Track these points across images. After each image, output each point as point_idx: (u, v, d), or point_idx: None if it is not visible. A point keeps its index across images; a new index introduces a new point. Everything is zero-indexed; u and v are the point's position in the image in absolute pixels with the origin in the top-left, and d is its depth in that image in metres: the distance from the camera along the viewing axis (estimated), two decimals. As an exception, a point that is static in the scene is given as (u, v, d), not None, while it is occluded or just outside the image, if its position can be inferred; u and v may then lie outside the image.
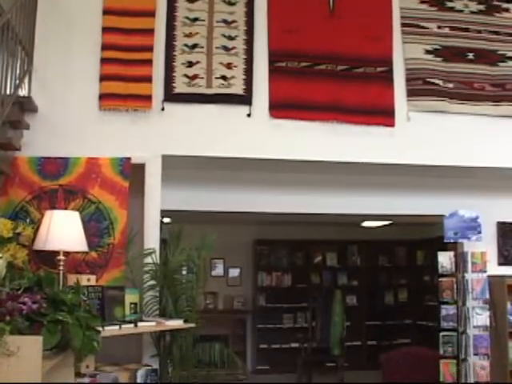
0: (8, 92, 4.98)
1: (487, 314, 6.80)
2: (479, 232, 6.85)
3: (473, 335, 6.78)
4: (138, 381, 5.24)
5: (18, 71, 5.26)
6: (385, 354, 8.05)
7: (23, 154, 5.49)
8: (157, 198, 5.88)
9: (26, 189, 5.44)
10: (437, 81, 6.55)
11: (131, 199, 5.62)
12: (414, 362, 7.67)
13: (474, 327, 6.79)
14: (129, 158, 5.64)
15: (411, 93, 6.51)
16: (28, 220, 5.30)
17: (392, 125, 6.43)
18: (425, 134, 6.53)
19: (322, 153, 6.30)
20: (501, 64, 6.77)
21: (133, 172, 5.64)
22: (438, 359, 6.94)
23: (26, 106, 5.47)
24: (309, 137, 6.26)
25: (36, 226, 5.13)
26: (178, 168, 6.29)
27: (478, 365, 6.74)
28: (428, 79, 6.54)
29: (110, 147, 5.73)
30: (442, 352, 6.87)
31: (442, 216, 7.04)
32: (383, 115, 6.42)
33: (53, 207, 5.32)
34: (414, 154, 6.50)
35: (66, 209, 5.38)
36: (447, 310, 6.81)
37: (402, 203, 7.34)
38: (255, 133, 6.17)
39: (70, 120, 5.80)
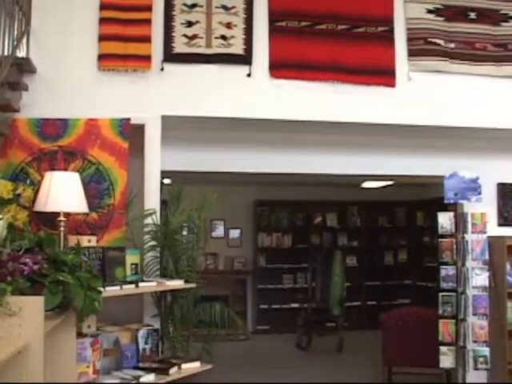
0: (6, 53, 4.93)
1: (486, 274, 6.83)
2: (479, 193, 6.85)
3: (472, 295, 6.82)
4: (139, 341, 5.28)
5: (15, 32, 5.21)
6: (384, 314, 8.08)
7: (22, 116, 5.46)
8: (157, 159, 5.87)
9: (25, 150, 5.43)
10: (438, 41, 6.50)
11: (131, 160, 5.60)
12: (414, 321, 7.72)
13: (474, 288, 6.83)
14: (128, 119, 5.61)
15: (412, 53, 6.45)
16: (28, 181, 5.29)
17: (393, 85, 6.39)
18: (425, 94, 6.50)
19: (322, 113, 6.27)
20: (503, 24, 6.71)
21: (132, 133, 5.62)
22: (437, 319, 6.99)
23: (24, 67, 5.43)
24: (309, 97, 6.22)
25: (36, 187, 5.13)
26: (177, 129, 6.26)
27: (477, 325, 6.78)
28: (429, 39, 6.49)
29: (110, 108, 5.70)
30: (441, 312, 6.91)
31: (442, 177, 7.03)
32: (384, 75, 6.38)
33: (53, 169, 5.31)
34: (414, 115, 6.47)
35: (65, 170, 5.37)
36: (447, 271, 6.84)
37: (402, 164, 7.33)
38: (255, 93, 6.14)
39: (69, 81, 5.76)
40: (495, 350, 6.95)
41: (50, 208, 4.82)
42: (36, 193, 5.02)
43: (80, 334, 4.61)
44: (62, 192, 4.83)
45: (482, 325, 6.78)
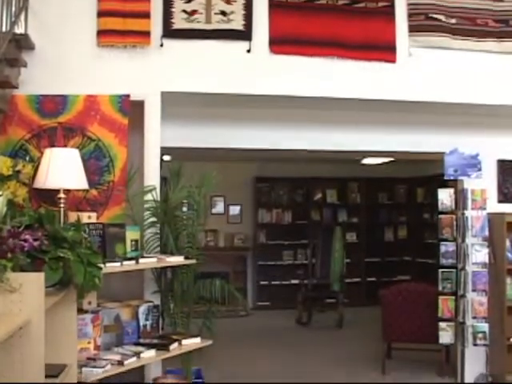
0: (4, 29, 4.91)
1: (486, 250, 6.84)
2: (479, 169, 6.84)
3: (472, 272, 6.84)
4: (140, 317, 5.30)
5: (13, 8, 5.17)
6: (384, 290, 8.10)
7: (21, 92, 5.44)
8: (156, 135, 5.85)
9: (24, 127, 5.41)
10: (439, 16, 6.45)
11: (131, 136, 5.59)
12: (413, 297, 7.74)
13: (473, 264, 6.84)
14: (128, 95, 5.59)
15: (413, 28, 6.41)
16: (27, 158, 5.29)
17: (393, 61, 6.36)
18: (426, 70, 6.47)
19: (322, 89, 6.24)
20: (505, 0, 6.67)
21: (132, 109, 5.60)
22: (436, 295, 7.01)
23: (22, 43, 5.39)
24: (309, 72, 6.19)
25: (36, 164, 5.12)
26: (177, 105, 6.24)
27: (477, 301, 6.81)
28: (430, 14, 6.44)
29: (109, 84, 5.67)
30: (440, 288, 6.93)
31: (442, 153, 7.02)
32: (384, 51, 6.35)
33: (52, 145, 5.30)
34: (414, 91, 6.45)
35: (65, 147, 5.36)
36: (447, 247, 6.85)
37: (403, 140, 7.32)
38: (255, 69, 6.11)
39: (68, 57, 5.73)
40: (494, 326, 6.98)
41: (50, 185, 4.82)
42: (36, 170, 5.02)
43: (81, 311, 4.64)
44: (62, 169, 4.83)
45: (482, 301, 6.80)
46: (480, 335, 6.76)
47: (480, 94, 6.58)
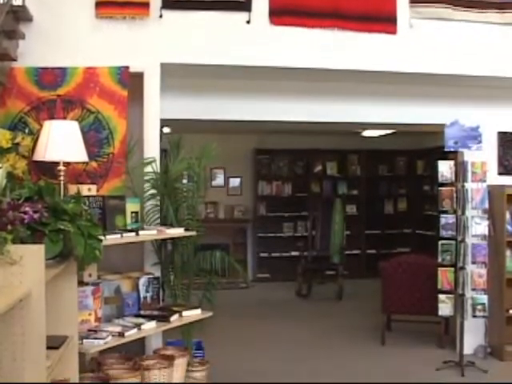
0: (1, 1, 4.87)
1: (486, 223, 6.84)
2: (480, 141, 6.82)
3: (471, 244, 6.85)
4: (140, 289, 5.32)
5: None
6: (383, 262, 8.12)
7: (20, 65, 5.41)
8: (156, 107, 5.83)
9: (24, 100, 5.39)
10: (440, -13, 6.41)
11: (130, 108, 5.58)
12: (413, 270, 7.76)
13: (473, 236, 6.85)
14: (127, 67, 5.56)
15: (414, -1, 6.37)
16: (27, 131, 5.27)
17: (394, 32, 6.32)
18: (427, 41, 6.43)
19: (322, 60, 6.21)
20: (507, -30, 6.61)
21: (131, 81, 5.58)
22: (436, 267, 7.03)
23: (20, 15, 5.35)
24: (309, 44, 6.16)
25: (35, 136, 5.11)
26: (176, 76, 6.22)
27: (476, 273, 6.83)
28: (431, -15, 6.39)
29: (108, 56, 5.64)
30: (440, 260, 6.94)
31: (442, 125, 7.00)
32: (385, 22, 6.30)
33: (51, 118, 5.29)
34: (415, 62, 6.42)
35: (64, 119, 5.34)
36: (446, 219, 6.85)
37: (403, 112, 7.31)
38: (254, 40, 6.07)
39: (67, 29, 5.68)
40: (493, 298, 7.02)
41: (50, 157, 4.81)
42: (35, 142, 5.00)
43: (81, 283, 4.65)
44: (62, 141, 4.81)
45: (481, 273, 6.82)
46: (479, 307, 6.78)
47: (481, 65, 6.55)
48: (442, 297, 6.92)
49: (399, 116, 7.35)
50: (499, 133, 7.53)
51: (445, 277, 6.89)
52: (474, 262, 6.86)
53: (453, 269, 6.89)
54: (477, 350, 7.37)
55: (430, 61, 6.44)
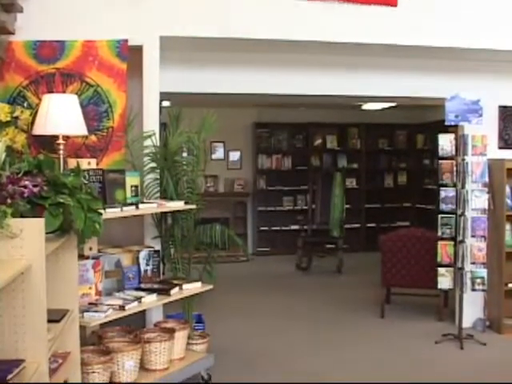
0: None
1: (486, 196, 6.84)
2: (480, 115, 6.79)
3: (471, 217, 6.85)
4: (141, 262, 5.33)
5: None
6: (383, 236, 8.13)
7: (18, 39, 5.38)
8: (155, 80, 5.80)
9: (22, 74, 5.36)
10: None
11: (130, 82, 5.55)
12: (413, 243, 7.77)
13: (473, 210, 6.85)
14: (126, 40, 5.53)
15: (415, -30, 6.32)
16: (26, 105, 5.26)
17: (394, 4, 6.27)
18: (428, 14, 6.38)
19: (321, 33, 6.17)
20: None
21: (130, 54, 5.55)
22: (436, 241, 7.04)
23: (18, -13, 5.33)
24: (309, 16, 6.11)
25: (34, 111, 5.09)
26: (176, 50, 6.19)
27: (475, 246, 6.84)
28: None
29: (107, 29, 5.59)
30: (440, 234, 6.95)
31: (443, 99, 6.97)
32: (386, -5, 6.26)
33: (50, 91, 5.27)
34: (416, 35, 6.37)
35: (63, 93, 5.32)
36: (446, 193, 6.85)
37: (404, 85, 7.27)
38: (254, 13, 6.02)
39: (65, 2, 5.63)
40: (492, 272, 7.04)
41: (49, 131, 4.80)
42: (34, 116, 4.99)
43: (82, 257, 4.67)
44: (61, 115, 4.80)
45: (481, 247, 6.83)
46: (478, 280, 6.81)
47: (483, 38, 6.51)
48: (441, 270, 6.94)
49: (399, 89, 7.32)
50: (500, 107, 7.51)
51: (444, 250, 6.91)
52: (473, 236, 6.87)
53: (452, 242, 6.90)
54: (475, 323, 7.41)
55: (430, 34, 6.40)
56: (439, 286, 7.02)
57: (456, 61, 7.08)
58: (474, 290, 6.86)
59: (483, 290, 6.96)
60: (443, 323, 7.59)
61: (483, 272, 6.81)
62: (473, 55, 6.83)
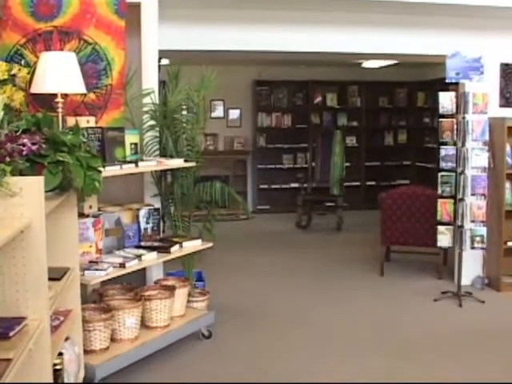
0: None
1: (486, 155, 6.82)
2: (481, 73, 6.74)
3: (471, 176, 6.84)
4: (141, 220, 5.35)
5: None
6: (383, 194, 8.12)
7: (14, -4, 5.32)
8: (154, 38, 5.75)
9: (19, 32, 5.30)
10: None
11: (128, 39, 5.50)
12: (412, 201, 7.77)
13: (473, 168, 6.84)
14: (124, -4, 5.47)
15: None
16: (23, 63, 5.20)
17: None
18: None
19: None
20: None
21: (129, 11, 5.48)
22: (435, 199, 7.04)
23: None
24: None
25: (32, 69, 5.05)
26: (175, 7, 6.13)
27: (475, 205, 6.84)
28: None
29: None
30: (440, 192, 6.95)
31: (444, 56, 6.91)
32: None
33: (48, 50, 5.21)
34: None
35: (61, 51, 5.27)
36: (446, 151, 6.84)
37: (404, 42, 7.21)
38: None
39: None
40: (492, 230, 7.06)
41: (47, 89, 4.76)
42: (32, 74, 4.94)
43: (82, 215, 4.68)
44: (59, 72, 4.75)
45: (480, 205, 6.83)
46: (478, 239, 6.82)
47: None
48: (441, 228, 6.96)
49: (400, 46, 7.25)
50: (502, 64, 7.44)
51: (444, 208, 6.91)
52: (473, 194, 6.86)
53: (452, 200, 6.90)
54: (474, 281, 7.45)
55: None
56: (438, 244, 7.03)
57: (457, 18, 7.01)
58: (473, 248, 6.88)
59: (482, 248, 6.98)
60: (442, 281, 7.63)
61: (483, 230, 6.82)
62: (474, 12, 6.76)
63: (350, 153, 12.65)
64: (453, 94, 6.81)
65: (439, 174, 6.92)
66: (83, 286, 4.50)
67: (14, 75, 4.80)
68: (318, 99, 13.57)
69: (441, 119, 6.88)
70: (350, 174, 12.29)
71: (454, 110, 6.79)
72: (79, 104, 5.34)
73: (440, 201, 6.95)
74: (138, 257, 4.94)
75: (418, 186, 8.43)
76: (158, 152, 5.64)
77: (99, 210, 5.05)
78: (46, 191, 3.10)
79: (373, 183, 13.49)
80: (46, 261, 3.06)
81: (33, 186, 2.99)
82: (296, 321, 6.30)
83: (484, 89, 6.81)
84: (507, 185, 7.21)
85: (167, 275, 6.01)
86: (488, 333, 5.95)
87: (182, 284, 5.61)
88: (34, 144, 3.21)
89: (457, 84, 7.00)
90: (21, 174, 3.12)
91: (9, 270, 2.98)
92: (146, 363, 5.01)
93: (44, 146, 3.38)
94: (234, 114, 13.37)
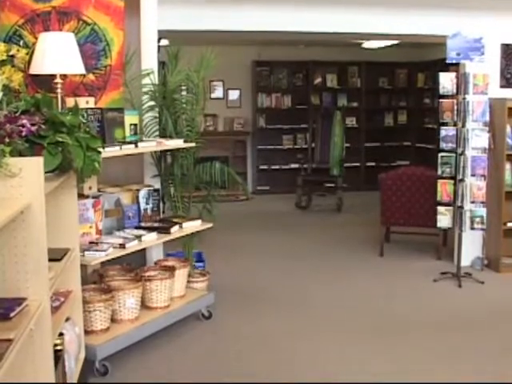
0: None
1: (486, 135, 6.81)
2: (482, 53, 6.72)
3: (471, 156, 6.84)
4: (141, 201, 5.34)
5: None
6: (383, 174, 8.11)
7: (12, -25, 5.28)
8: (153, 17, 5.72)
9: (17, 12, 5.26)
10: None
11: (127, 20, 5.47)
12: (412, 182, 7.77)
13: (473, 149, 6.83)
14: (123, -24, 5.44)
15: None
16: (22, 44, 5.17)
17: None
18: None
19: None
20: None
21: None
22: (435, 179, 7.04)
23: None
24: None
25: (31, 50, 5.02)
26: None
27: (475, 185, 6.83)
28: None
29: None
30: (440, 172, 6.94)
31: (444, 37, 6.89)
32: None
33: (47, 30, 5.18)
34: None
35: (60, 31, 5.24)
36: (447, 131, 6.82)
37: (405, 22, 7.18)
38: None
39: None
40: (492, 211, 7.06)
41: (46, 70, 4.74)
42: (31, 55, 4.92)
43: (82, 196, 4.68)
44: (58, 53, 4.73)
45: (480, 186, 6.83)
46: (477, 219, 6.82)
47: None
48: (440, 209, 6.96)
49: (400, 26, 7.22)
50: (502, 45, 7.41)
51: (444, 189, 6.91)
52: (473, 175, 6.86)
53: (452, 181, 6.90)
54: (474, 262, 7.47)
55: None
56: (438, 225, 7.04)
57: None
58: (472, 228, 6.88)
59: (482, 229, 6.99)
60: (442, 262, 7.64)
61: (482, 211, 6.83)
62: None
63: (350, 134, 12.62)
64: (453, 74, 6.79)
65: (439, 155, 6.91)
66: (83, 267, 4.51)
67: (12, 56, 4.77)
68: (318, 80, 13.53)
69: (441, 100, 6.87)
70: (349, 155, 12.28)
71: (455, 91, 6.77)
72: (78, 85, 5.32)
73: (440, 181, 6.95)
74: (138, 237, 4.94)
75: (418, 167, 8.42)
76: (157, 133, 5.63)
77: (99, 190, 5.05)
78: (45, 172, 3.09)
79: (373, 164, 13.48)
80: (46, 242, 3.06)
81: (32, 167, 2.99)
82: (296, 301, 6.32)
83: (484, 69, 6.78)
84: (507, 166, 7.20)
85: (167, 256, 6.02)
86: (487, 313, 5.97)
87: (182, 265, 5.62)
88: (33, 125, 3.20)
89: (457, 65, 6.97)
90: (20, 155, 3.11)
91: (9, 251, 2.98)
92: (146, 343, 5.03)
93: (43, 126, 3.37)
94: (234, 94, 13.34)
